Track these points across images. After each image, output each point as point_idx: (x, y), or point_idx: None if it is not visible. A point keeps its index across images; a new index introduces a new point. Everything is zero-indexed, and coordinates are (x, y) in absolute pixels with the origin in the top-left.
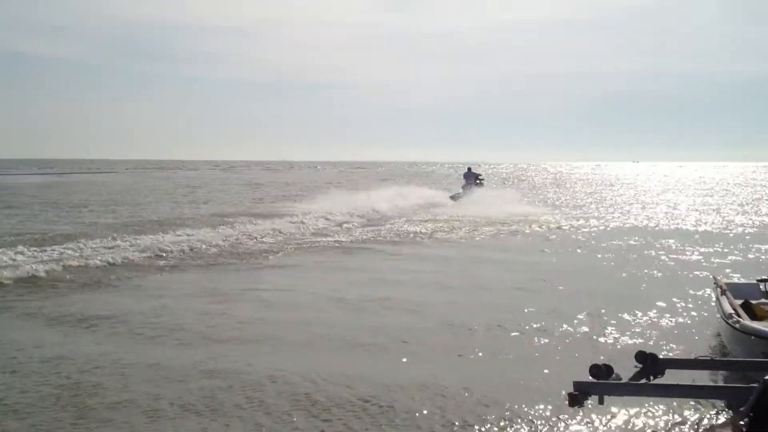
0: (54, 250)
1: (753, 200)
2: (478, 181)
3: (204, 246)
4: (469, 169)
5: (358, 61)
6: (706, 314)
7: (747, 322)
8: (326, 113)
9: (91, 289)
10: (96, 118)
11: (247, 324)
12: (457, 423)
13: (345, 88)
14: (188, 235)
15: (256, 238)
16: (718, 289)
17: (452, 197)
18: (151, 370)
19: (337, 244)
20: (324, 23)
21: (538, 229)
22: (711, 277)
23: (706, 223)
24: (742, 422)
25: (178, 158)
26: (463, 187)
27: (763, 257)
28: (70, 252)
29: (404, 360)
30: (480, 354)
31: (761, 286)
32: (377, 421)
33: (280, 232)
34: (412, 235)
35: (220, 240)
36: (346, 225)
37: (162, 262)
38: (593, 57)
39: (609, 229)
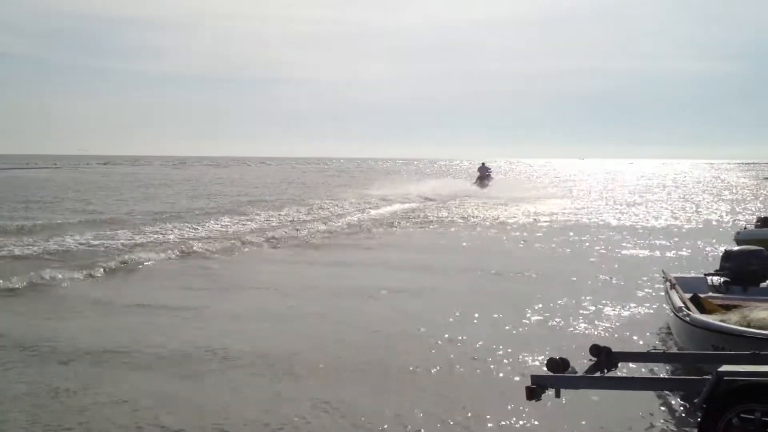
0: None
1: (689, 196)
2: (488, 173)
3: None
4: (483, 164)
5: (310, 56)
6: (656, 308)
7: (697, 315)
8: (276, 109)
9: None
10: (43, 114)
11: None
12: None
13: (297, 83)
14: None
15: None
16: (668, 283)
17: (477, 185)
18: None
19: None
20: (276, 18)
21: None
22: (661, 271)
23: (656, 219)
24: (695, 413)
25: (131, 154)
26: (478, 179)
27: (706, 251)
28: None
29: None
30: (436, 340)
31: (708, 280)
32: None
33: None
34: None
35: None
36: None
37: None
38: (542, 56)
39: (562, 222)
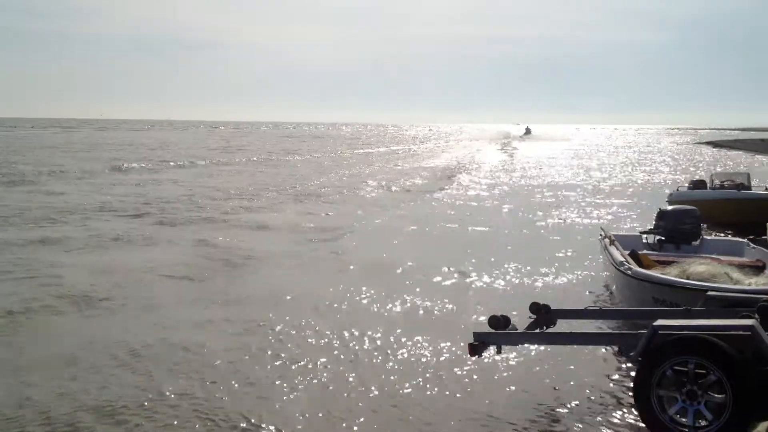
0: None
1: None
2: (529, 131)
3: None
4: (527, 126)
5: (247, 18)
6: (591, 267)
7: (638, 268)
8: (213, 72)
9: None
10: None
11: None
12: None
13: (233, 46)
14: None
15: None
16: (606, 240)
17: (523, 136)
18: None
19: None
20: None
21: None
22: (599, 228)
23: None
24: (632, 366)
25: (62, 116)
26: (524, 134)
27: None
28: None
29: None
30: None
31: (643, 238)
32: None
33: None
34: None
35: None
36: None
37: None
38: (482, 22)
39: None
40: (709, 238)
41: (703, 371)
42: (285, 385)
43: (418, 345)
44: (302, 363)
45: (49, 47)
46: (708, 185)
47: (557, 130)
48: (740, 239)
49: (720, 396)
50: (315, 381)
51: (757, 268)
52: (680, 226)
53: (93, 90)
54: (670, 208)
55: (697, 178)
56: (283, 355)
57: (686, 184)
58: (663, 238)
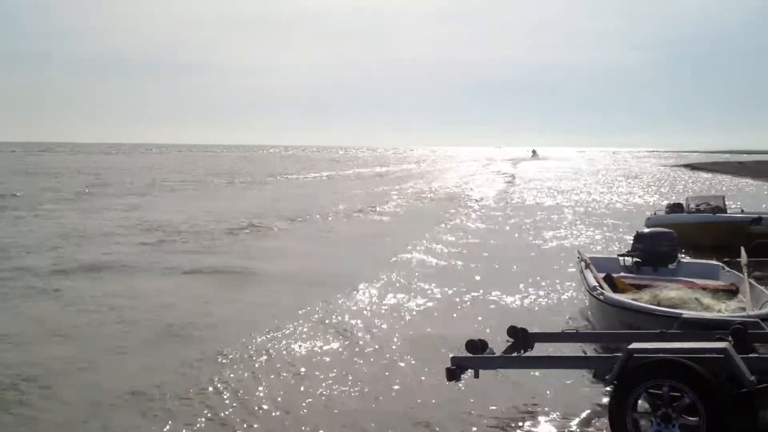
0: None
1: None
2: (536, 153)
3: None
4: (534, 149)
5: (227, 41)
6: (571, 290)
7: (610, 294)
8: (192, 95)
9: None
10: None
11: None
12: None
13: (213, 69)
14: None
15: None
16: (582, 263)
17: (531, 157)
18: None
19: None
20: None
21: None
22: (576, 251)
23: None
24: (607, 389)
25: (41, 140)
26: (532, 156)
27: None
28: None
29: None
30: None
31: (621, 261)
32: None
33: None
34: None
35: None
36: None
37: None
38: (463, 44)
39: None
40: (685, 260)
41: (678, 394)
42: None
43: None
44: None
45: (34, 68)
46: (684, 209)
47: (551, 153)
48: (716, 262)
49: (694, 419)
50: None
51: (730, 292)
52: (657, 248)
53: (80, 111)
54: (647, 230)
55: (673, 201)
56: None
57: (664, 209)
58: (640, 260)
